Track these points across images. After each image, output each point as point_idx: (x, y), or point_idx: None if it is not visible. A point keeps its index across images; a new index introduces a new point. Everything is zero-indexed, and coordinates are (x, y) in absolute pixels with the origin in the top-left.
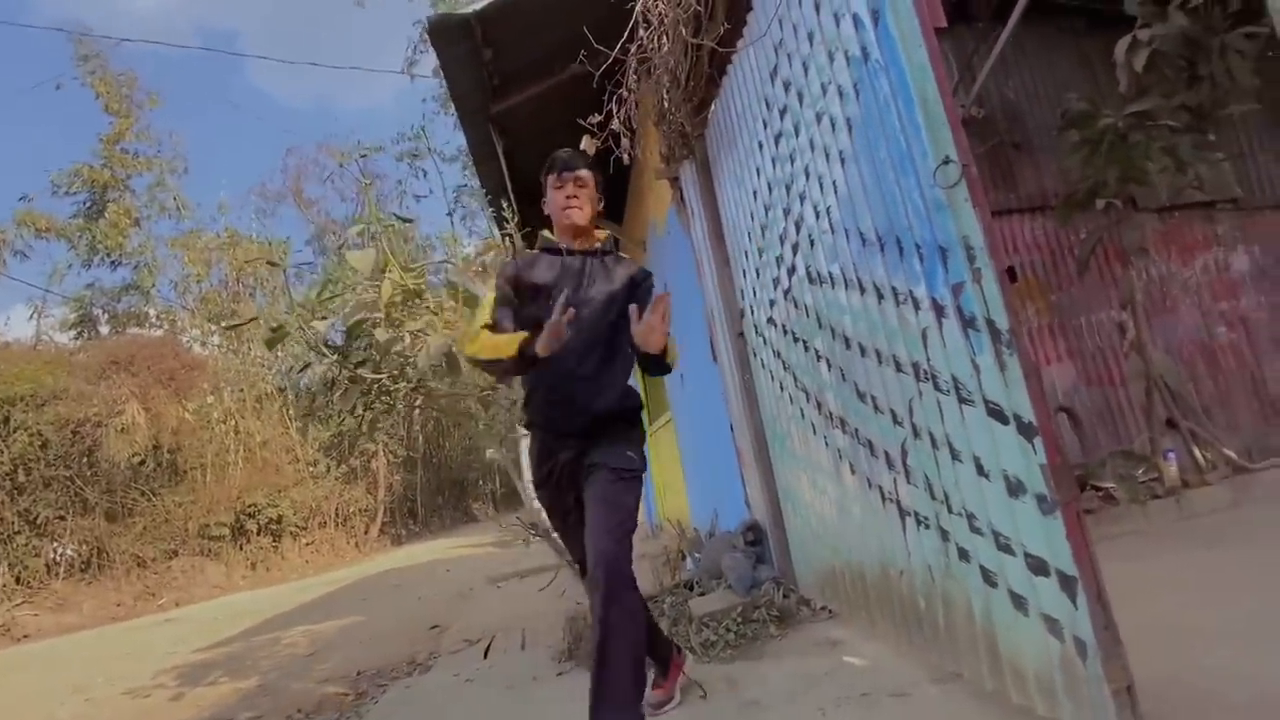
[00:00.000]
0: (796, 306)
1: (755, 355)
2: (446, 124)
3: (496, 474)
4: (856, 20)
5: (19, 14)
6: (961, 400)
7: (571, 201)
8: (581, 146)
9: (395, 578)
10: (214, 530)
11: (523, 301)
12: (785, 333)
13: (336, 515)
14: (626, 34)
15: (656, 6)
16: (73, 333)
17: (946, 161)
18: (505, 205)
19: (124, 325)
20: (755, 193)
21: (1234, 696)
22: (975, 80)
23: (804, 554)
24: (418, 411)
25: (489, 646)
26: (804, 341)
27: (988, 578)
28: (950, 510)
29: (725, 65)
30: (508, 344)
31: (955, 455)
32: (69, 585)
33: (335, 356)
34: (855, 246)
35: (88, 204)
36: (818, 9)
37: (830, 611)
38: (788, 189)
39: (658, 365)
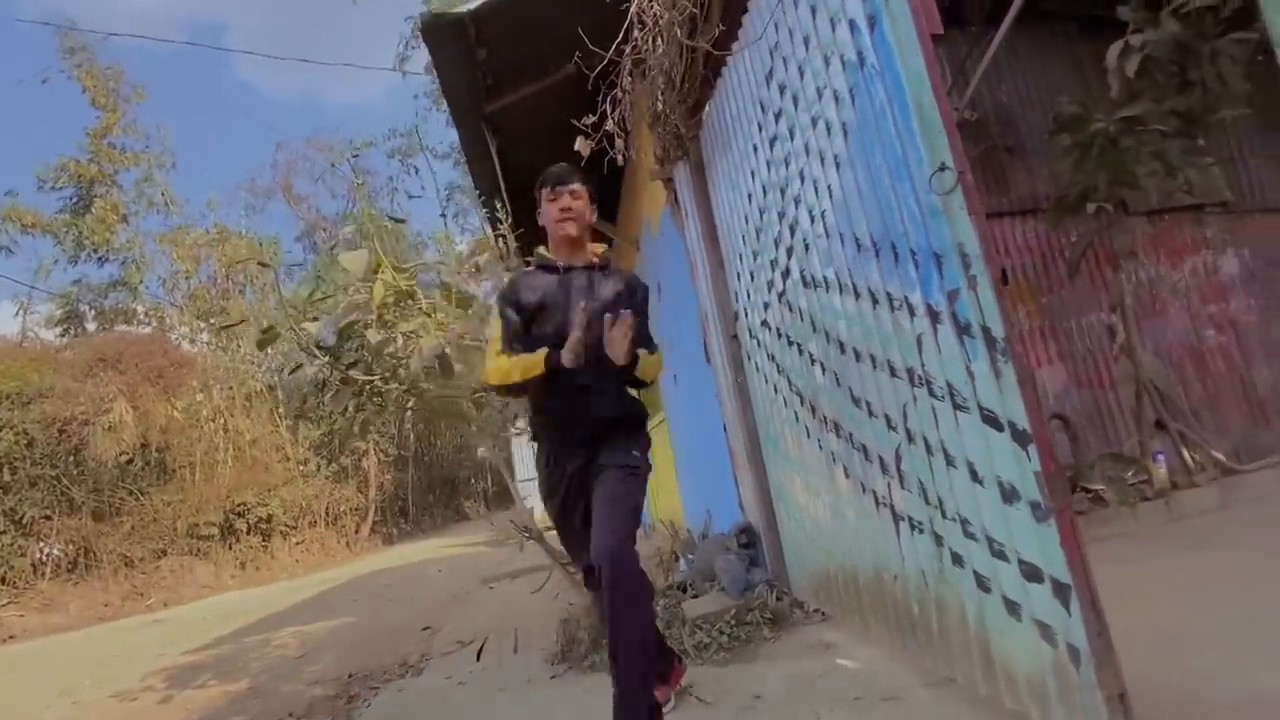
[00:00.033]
0: (791, 310)
1: (749, 358)
2: (439, 120)
3: (488, 472)
4: (853, 25)
5: (4, 8)
6: (956, 406)
7: (565, 214)
8: (576, 147)
9: (386, 578)
10: (203, 530)
11: (526, 322)
12: (779, 336)
13: (327, 514)
14: (621, 35)
15: (651, 8)
16: (59, 329)
17: (942, 168)
18: (499, 205)
19: (111, 322)
20: (750, 195)
21: (1223, 700)
22: (969, 84)
23: (797, 556)
24: (410, 412)
25: (481, 648)
26: (798, 345)
27: (981, 583)
28: (944, 515)
29: (720, 67)
30: (534, 363)
31: (950, 461)
32: (55, 585)
33: (326, 358)
34: (850, 251)
35: (74, 199)
36: (814, 13)
37: (823, 614)
38: (782, 192)
39: (630, 380)
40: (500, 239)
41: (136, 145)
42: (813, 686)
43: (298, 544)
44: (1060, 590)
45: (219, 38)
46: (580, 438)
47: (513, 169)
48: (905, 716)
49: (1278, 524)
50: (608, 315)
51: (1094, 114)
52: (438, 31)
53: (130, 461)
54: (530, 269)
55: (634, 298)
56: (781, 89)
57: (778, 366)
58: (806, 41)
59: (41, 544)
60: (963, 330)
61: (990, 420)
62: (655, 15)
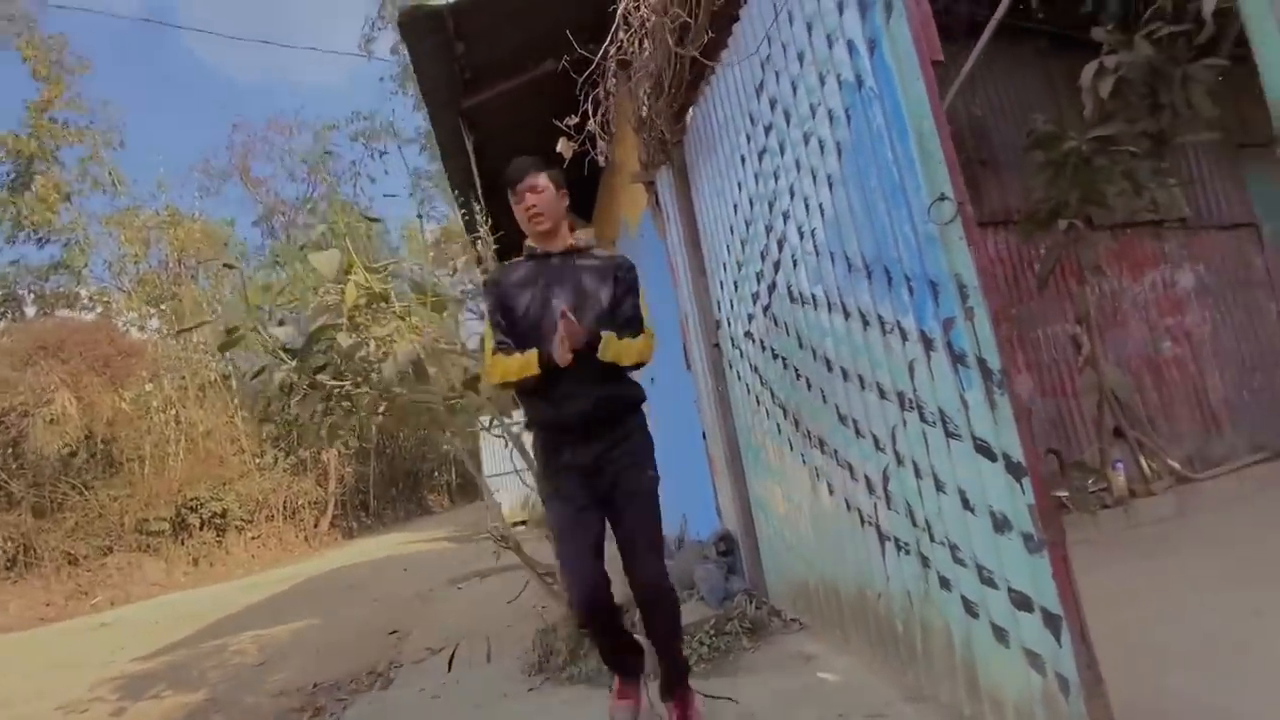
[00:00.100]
0: (776, 323)
1: (731, 367)
2: (405, 104)
3: (453, 465)
4: (851, 46)
5: None
6: (949, 434)
7: (532, 211)
8: (558, 149)
9: (348, 576)
10: (153, 525)
11: (512, 316)
12: (764, 348)
13: (284, 508)
14: (610, 37)
15: (638, 9)
16: None
17: (942, 198)
18: (475, 201)
19: (52, 307)
20: (735, 206)
21: None
22: (945, 97)
23: (776, 564)
24: (381, 416)
25: (453, 657)
26: (783, 359)
27: (969, 608)
28: (932, 539)
29: (706, 72)
30: (527, 363)
31: (940, 486)
32: None
33: (294, 361)
34: (840, 271)
35: (12, 175)
36: (809, 30)
37: (801, 624)
38: (770, 206)
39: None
40: (476, 242)
41: (81, 121)
42: (796, 702)
43: (254, 539)
44: (1051, 620)
45: (174, 16)
46: (573, 421)
47: (489, 165)
48: None
49: (1230, 532)
50: (563, 306)
51: (1068, 133)
52: (416, 24)
53: (74, 455)
54: (513, 261)
55: (619, 280)
56: (773, 103)
57: (760, 378)
58: (801, 57)
59: None
60: (957, 359)
61: (984, 450)
62: (643, 18)
